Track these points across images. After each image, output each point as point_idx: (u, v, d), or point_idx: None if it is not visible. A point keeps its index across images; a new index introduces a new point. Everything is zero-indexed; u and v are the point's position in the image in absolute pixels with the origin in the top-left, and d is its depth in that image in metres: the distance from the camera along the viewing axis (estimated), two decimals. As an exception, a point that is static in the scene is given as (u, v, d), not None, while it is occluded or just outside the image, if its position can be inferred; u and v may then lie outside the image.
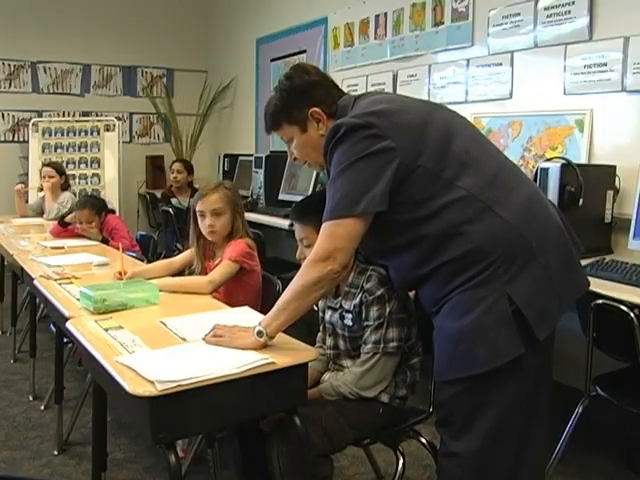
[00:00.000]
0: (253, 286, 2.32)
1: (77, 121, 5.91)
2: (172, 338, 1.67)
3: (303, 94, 1.61)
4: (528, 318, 1.41)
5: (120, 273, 2.28)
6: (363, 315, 1.81)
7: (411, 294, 1.89)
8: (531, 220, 1.48)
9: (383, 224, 1.48)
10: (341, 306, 1.88)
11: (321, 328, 2.03)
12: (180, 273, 2.49)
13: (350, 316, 1.84)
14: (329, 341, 1.95)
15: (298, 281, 1.51)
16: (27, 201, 4.73)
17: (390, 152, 1.44)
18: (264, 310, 2.04)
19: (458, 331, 1.45)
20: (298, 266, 1.60)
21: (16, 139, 6.01)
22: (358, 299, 1.82)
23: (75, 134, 5.78)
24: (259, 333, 1.53)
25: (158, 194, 5.53)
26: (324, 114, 1.60)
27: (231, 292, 2.24)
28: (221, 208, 2.31)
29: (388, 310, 1.78)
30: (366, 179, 1.44)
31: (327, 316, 1.95)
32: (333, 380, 1.83)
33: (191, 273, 2.51)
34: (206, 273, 2.37)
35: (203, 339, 1.59)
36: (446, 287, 1.47)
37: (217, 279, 2.21)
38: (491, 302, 1.42)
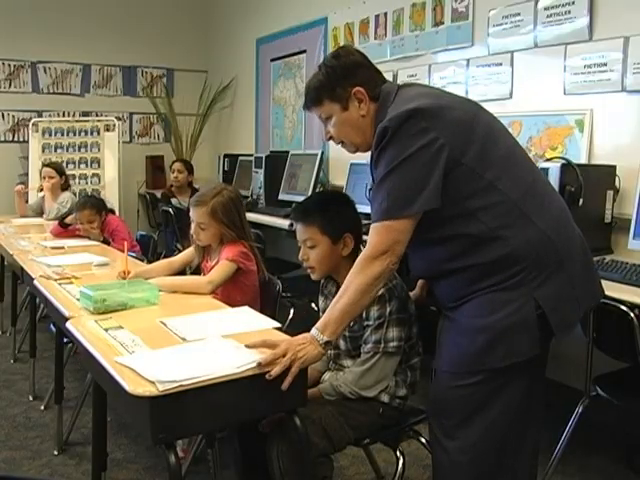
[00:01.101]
0: (250, 286, 2.31)
1: (77, 121, 5.91)
2: (172, 338, 1.67)
3: (348, 73, 1.60)
4: (551, 322, 1.44)
5: (124, 272, 2.28)
6: (363, 315, 1.80)
7: (411, 294, 1.89)
8: (562, 230, 1.50)
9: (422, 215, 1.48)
10: None
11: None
12: (181, 272, 2.49)
13: None
14: (329, 341, 1.94)
15: (358, 280, 1.49)
16: (27, 201, 4.73)
17: (439, 144, 1.43)
18: (264, 311, 2.05)
19: (480, 328, 1.47)
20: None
21: (16, 139, 6.01)
22: None
23: (75, 134, 5.78)
24: (327, 343, 1.51)
25: (158, 194, 5.52)
26: (367, 95, 1.59)
27: (229, 293, 2.23)
28: (204, 224, 2.30)
29: (388, 310, 1.78)
30: (419, 176, 1.43)
31: (327, 316, 1.94)
32: (333, 380, 1.83)
33: (193, 272, 2.51)
34: (204, 274, 2.38)
35: (260, 363, 1.43)
36: (472, 286, 1.49)
37: (216, 279, 2.20)
38: (518, 305, 1.44)
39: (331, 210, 1.87)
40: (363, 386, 1.78)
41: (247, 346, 1.50)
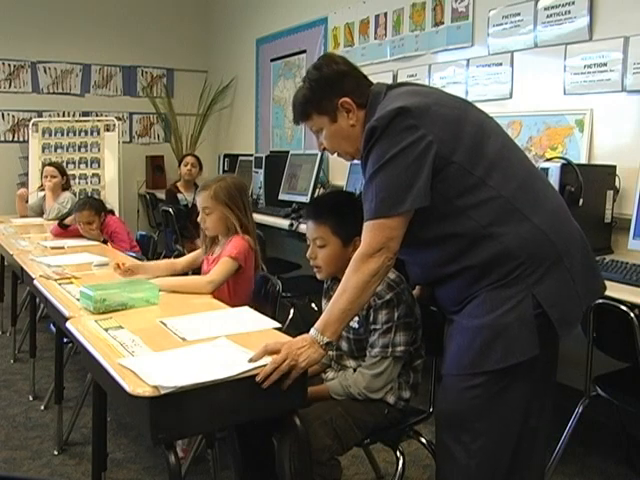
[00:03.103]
0: (242, 285, 2.31)
1: (77, 121, 5.90)
2: (172, 338, 1.67)
3: (332, 84, 1.59)
4: (552, 318, 1.44)
5: (118, 264, 2.30)
6: (371, 318, 1.79)
7: (414, 292, 1.88)
8: (558, 226, 1.49)
9: (413, 214, 1.48)
10: None
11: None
12: (184, 275, 2.49)
13: (357, 319, 1.81)
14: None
15: (355, 278, 1.48)
16: (27, 201, 4.73)
17: (427, 141, 1.43)
18: (263, 311, 2.04)
19: (478, 327, 1.46)
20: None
21: (16, 139, 6.01)
22: None
23: (75, 134, 5.77)
24: (328, 344, 1.50)
25: (158, 194, 5.50)
26: (354, 104, 1.58)
27: (221, 290, 2.24)
28: (209, 207, 2.32)
29: (397, 315, 1.76)
30: (408, 174, 1.42)
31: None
32: (342, 380, 1.81)
33: (195, 272, 2.51)
34: (205, 265, 2.39)
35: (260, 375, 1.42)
36: (471, 288, 1.49)
37: (217, 279, 2.20)
38: (515, 302, 1.44)
39: (345, 212, 1.83)
40: (372, 389, 1.77)
41: (251, 360, 1.45)
